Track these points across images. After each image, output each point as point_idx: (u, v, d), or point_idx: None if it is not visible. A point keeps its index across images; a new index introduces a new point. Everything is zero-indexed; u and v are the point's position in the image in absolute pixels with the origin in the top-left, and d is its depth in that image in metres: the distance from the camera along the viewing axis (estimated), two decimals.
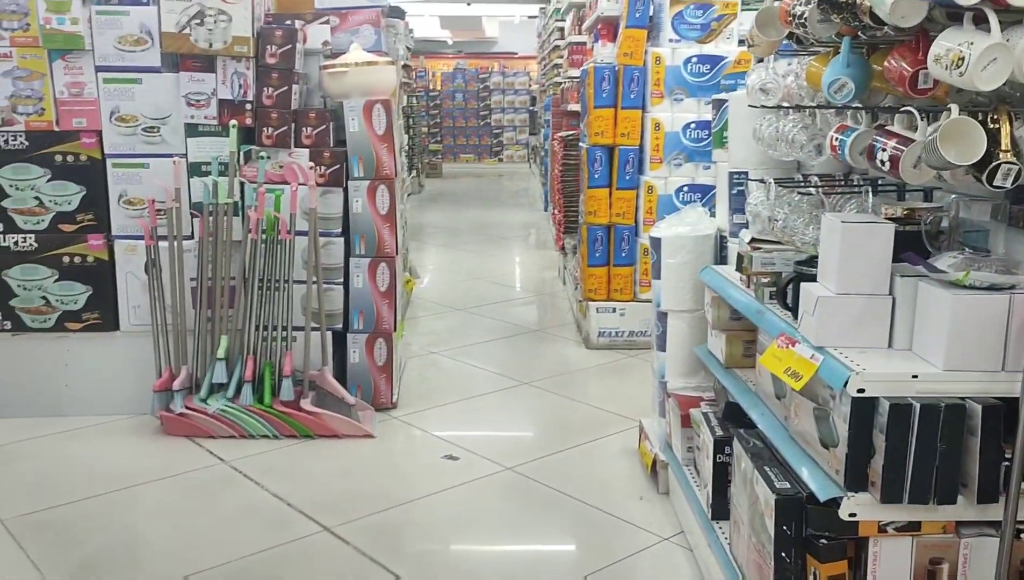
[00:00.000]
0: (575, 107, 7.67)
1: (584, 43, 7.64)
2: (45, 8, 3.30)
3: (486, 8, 15.33)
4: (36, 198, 3.46)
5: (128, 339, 3.60)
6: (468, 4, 14.22)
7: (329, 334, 3.57)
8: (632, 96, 4.41)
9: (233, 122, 3.38)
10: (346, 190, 3.55)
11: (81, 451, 3.30)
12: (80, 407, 3.60)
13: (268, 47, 3.41)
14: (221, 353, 3.38)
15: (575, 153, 5.83)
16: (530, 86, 16.61)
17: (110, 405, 3.60)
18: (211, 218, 3.41)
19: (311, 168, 3.43)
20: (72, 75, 3.40)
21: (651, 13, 4.43)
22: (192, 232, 3.50)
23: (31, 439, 3.39)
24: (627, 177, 4.47)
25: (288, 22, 3.51)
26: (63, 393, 3.60)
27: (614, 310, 4.57)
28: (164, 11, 3.32)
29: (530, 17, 15.99)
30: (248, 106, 3.44)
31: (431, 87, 16.62)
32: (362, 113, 3.48)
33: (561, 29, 9.76)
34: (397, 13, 4.37)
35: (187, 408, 3.38)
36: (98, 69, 3.40)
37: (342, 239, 3.57)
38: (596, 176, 4.50)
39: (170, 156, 3.46)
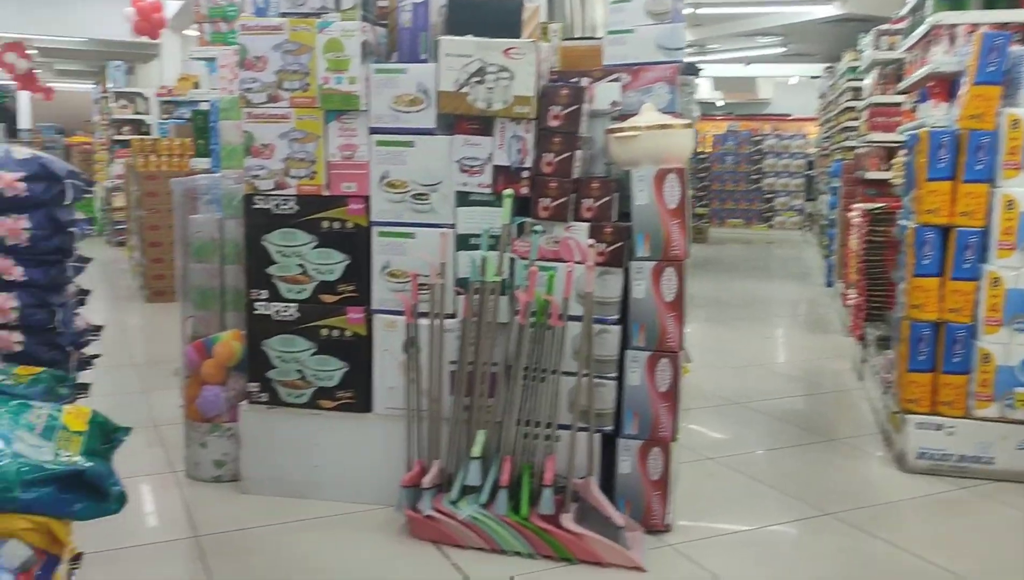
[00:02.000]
0: (875, 175, 6.80)
1: (892, 104, 6.76)
2: (325, 67, 3.11)
3: (763, 69, 14.59)
4: (300, 266, 3.26)
5: (380, 423, 3.29)
6: (746, 65, 13.57)
7: (598, 437, 3.07)
8: (978, 167, 3.59)
9: (508, 191, 3.00)
10: (627, 271, 3.05)
11: (320, 546, 2.99)
12: (328, 490, 3.33)
13: (551, 108, 3.01)
14: (476, 451, 2.96)
15: (883, 229, 5.01)
16: (807, 150, 15.56)
17: (357, 492, 3.31)
18: (476, 297, 3.04)
19: (590, 245, 2.97)
20: (345, 137, 3.18)
21: (1006, 67, 3.61)
22: (455, 311, 3.15)
23: (274, 525, 3.14)
24: (965, 265, 3.64)
25: (574, 80, 3.10)
26: (312, 474, 3.36)
27: (940, 427, 3.70)
28: (443, 68, 3.02)
29: (812, 77, 15.03)
30: (525, 173, 3.05)
31: (699, 149, 16.05)
32: (652, 183, 2.98)
33: (856, 89, 8.87)
34: (692, 70, 3.86)
35: (436, 510, 2.99)
36: (372, 130, 3.16)
37: (618, 328, 3.07)
38: (924, 262, 3.70)
39: (438, 226, 3.14)
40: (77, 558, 2.00)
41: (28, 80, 16.80)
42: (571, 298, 2.96)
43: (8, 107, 22.31)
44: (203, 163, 5.46)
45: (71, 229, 1.96)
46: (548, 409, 2.99)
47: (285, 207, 3.25)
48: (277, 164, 3.23)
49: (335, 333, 3.27)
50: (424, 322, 3.13)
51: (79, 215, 2.18)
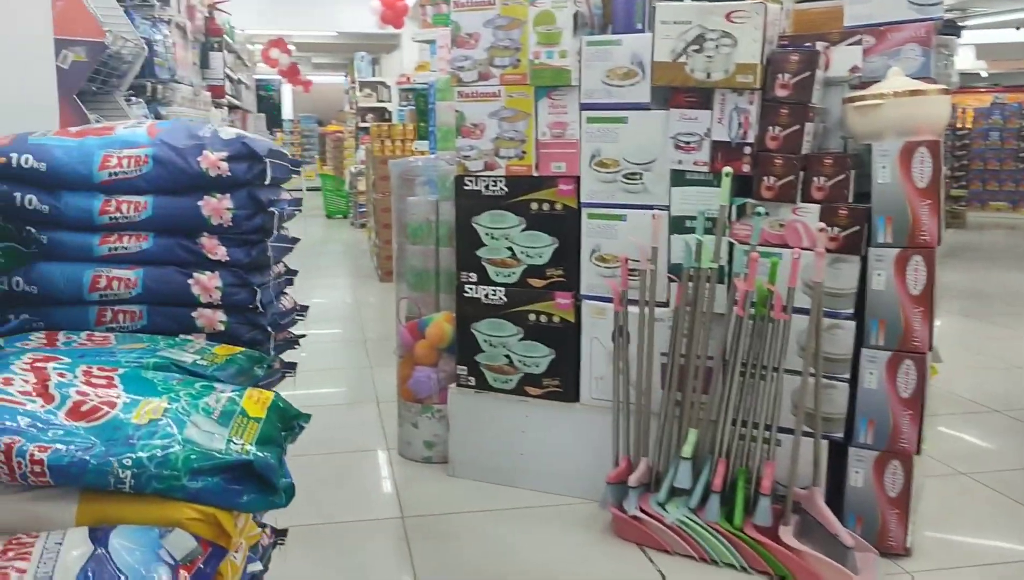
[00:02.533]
0: None
1: None
2: (536, 41, 2.98)
3: None
4: (509, 249, 3.18)
5: (587, 413, 3.15)
6: (1017, 29, 12.09)
7: (825, 444, 2.75)
8: None
9: (727, 169, 2.74)
10: (864, 259, 2.70)
11: (521, 537, 2.90)
12: (533, 480, 3.25)
13: (779, 76, 2.71)
14: (687, 451, 2.75)
15: None
16: None
17: (563, 483, 3.19)
18: (691, 284, 2.81)
19: (821, 230, 2.65)
20: (556, 114, 3.05)
21: None
22: (668, 299, 2.94)
23: (477, 512, 3.09)
24: None
25: (808, 44, 2.78)
26: (518, 462, 3.28)
27: None
28: (659, 37, 2.80)
29: None
30: (747, 149, 2.77)
31: (958, 125, 14.54)
32: (898, 158, 2.61)
33: None
34: (951, 29, 3.38)
35: (642, 511, 2.81)
36: (583, 107, 3.00)
37: (853, 323, 2.72)
38: None
39: (650, 208, 2.94)
40: (283, 533, 2.02)
41: (291, 74, 18.20)
42: (797, 288, 2.66)
43: (273, 99, 24.31)
44: (423, 145, 5.56)
45: (272, 209, 1.95)
46: (768, 410, 2.72)
47: (494, 188, 3.17)
48: (487, 144, 3.15)
49: (543, 319, 3.16)
50: (634, 310, 2.94)
51: (284, 195, 2.19)
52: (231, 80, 8.25)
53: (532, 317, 3.18)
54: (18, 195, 1.86)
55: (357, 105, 13.36)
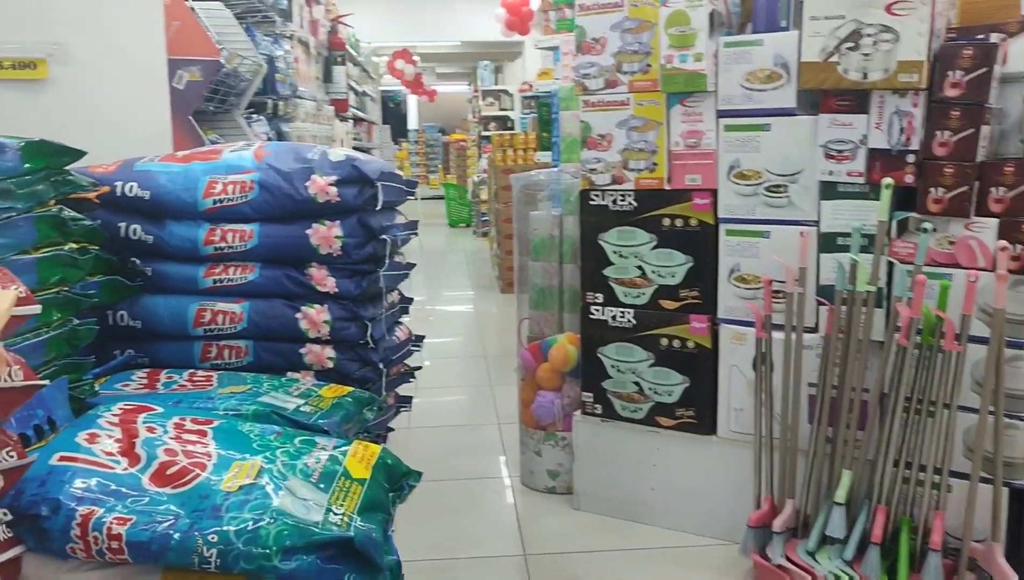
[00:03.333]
0: None
1: None
2: (668, 44, 2.75)
3: None
4: (639, 268, 2.95)
5: (725, 448, 2.89)
6: None
7: (1005, 492, 2.40)
8: None
9: (887, 180, 2.43)
10: None
11: None
12: (664, 517, 3.00)
13: (949, 73, 2.38)
14: (841, 496, 2.45)
15: None
16: None
17: (697, 523, 2.94)
18: (843, 309, 2.52)
19: (1001, 248, 2.31)
20: (690, 122, 2.80)
21: None
22: (817, 324, 2.65)
23: (603, 551, 2.87)
24: None
25: (980, 37, 2.44)
26: (647, 497, 3.04)
27: None
28: (807, 34, 2.52)
29: None
30: (910, 157, 2.46)
31: None
32: None
33: None
34: None
35: (788, 560, 2.53)
36: (720, 114, 2.75)
37: None
38: None
39: (797, 224, 2.66)
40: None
41: (415, 84, 18.44)
42: (972, 315, 2.33)
43: (400, 110, 24.77)
44: (546, 156, 5.38)
45: (384, 236, 1.81)
46: (937, 451, 2.39)
47: (623, 203, 2.95)
48: (614, 156, 2.94)
49: (676, 343, 2.92)
50: (779, 336, 2.66)
51: (400, 219, 2.04)
52: (356, 92, 8.31)
53: (664, 342, 2.94)
54: (123, 225, 1.78)
55: (480, 114, 13.34)
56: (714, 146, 2.77)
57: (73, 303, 1.41)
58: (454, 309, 7.53)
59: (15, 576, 1.11)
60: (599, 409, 3.11)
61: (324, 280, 1.78)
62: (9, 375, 1.03)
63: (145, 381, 1.64)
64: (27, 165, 1.28)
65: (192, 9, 2.60)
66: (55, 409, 1.32)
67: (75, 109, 2.20)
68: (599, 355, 3.07)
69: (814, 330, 2.66)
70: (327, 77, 5.90)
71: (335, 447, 1.34)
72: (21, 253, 1.29)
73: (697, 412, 2.92)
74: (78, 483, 1.14)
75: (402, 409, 2.18)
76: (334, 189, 1.75)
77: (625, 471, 3.08)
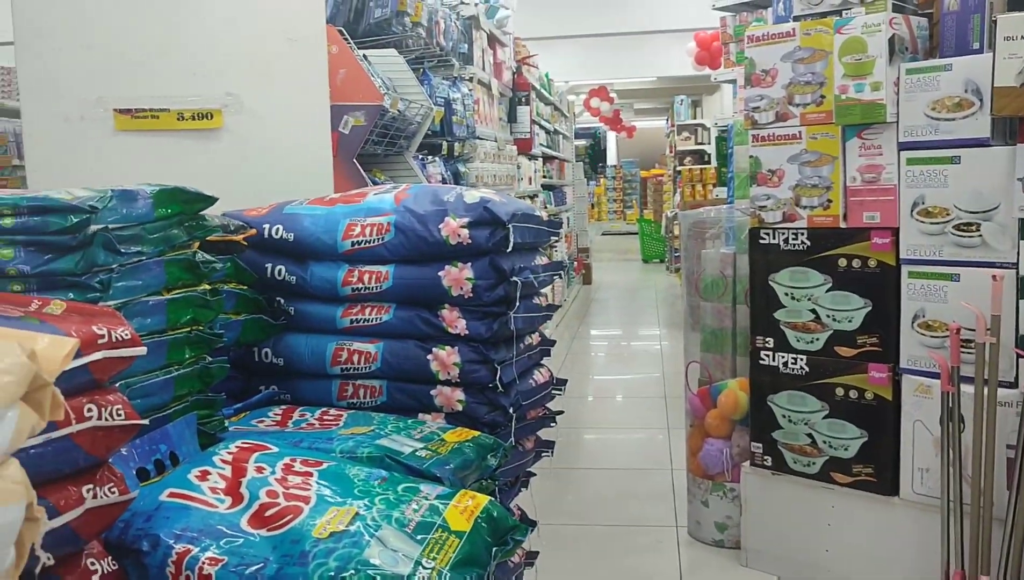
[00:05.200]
0: None
1: None
2: (843, 74, 2.57)
3: None
4: (812, 311, 2.75)
5: (908, 511, 2.62)
6: None
7: None
8: None
9: None
10: None
11: None
12: None
13: None
14: None
15: None
16: None
17: None
18: None
19: None
20: (868, 156, 2.60)
21: None
22: (1015, 378, 2.35)
23: None
24: None
25: None
26: (822, 559, 2.81)
27: None
28: (1001, 56, 2.27)
29: None
30: None
31: None
32: None
33: None
34: None
35: None
36: (901, 147, 2.53)
37: None
38: None
39: (990, 265, 2.38)
40: (533, 555, 1.85)
41: (613, 121, 18.54)
42: None
43: (599, 146, 24.98)
44: (723, 192, 5.18)
45: (516, 278, 1.77)
46: None
47: (795, 242, 2.77)
48: (786, 192, 2.77)
49: (853, 394, 2.69)
50: (968, 390, 2.39)
51: (542, 259, 2.01)
52: (547, 131, 8.43)
53: (840, 391, 2.72)
54: (269, 265, 1.85)
55: (675, 149, 13.17)
56: (895, 181, 2.55)
57: (205, 342, 1.47)
58: (640, 346, 7.41)
59: None
60: (769, 461, 2.92)
61: (455, 322, 1.77)
62: (111, 414, 1.08)
63: (279, 418, 1.69)
64: (159, 211, 1.36)
65: (360, 56, 2.71)
66: (180, 445, 1.37)
67: (246, 155, 2.33)
68: (769, 404, 2.89)
69: (1012, 385, 2.37)
70: (511, 117, 6.01)
71: (437, 496, 1.31)
72: (152, 294, 1.36)
73: (876, 470, 2.67)
74: (180, 520, 1.17)
75: (543, 454, 2.12)
76: (466, 231, 1.74)
77: (797, 529, 2.87)
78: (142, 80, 2.29)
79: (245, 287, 1.79)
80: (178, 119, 2.29)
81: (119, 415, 1.08)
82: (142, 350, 1.12)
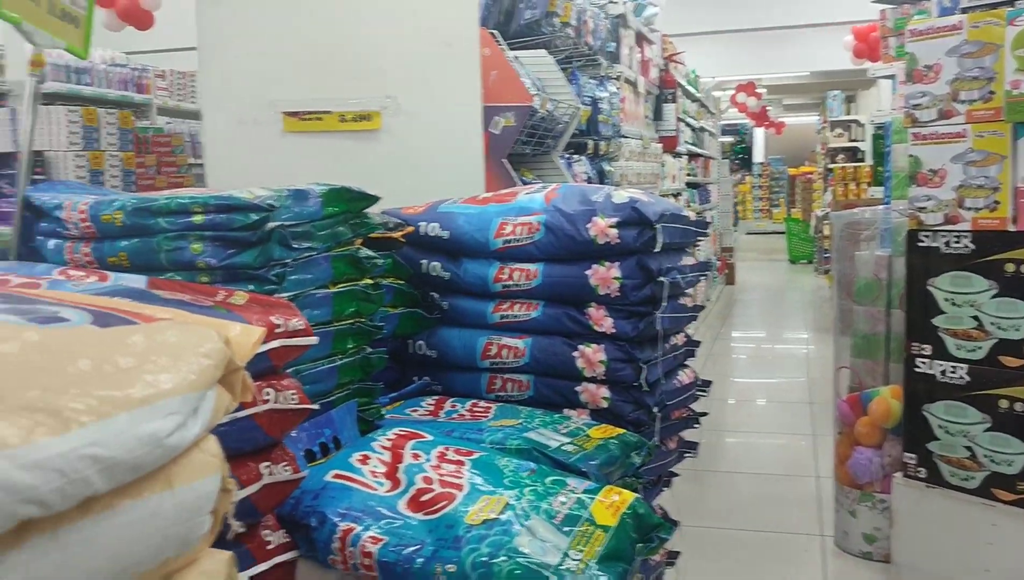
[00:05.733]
0: None
1: None
2: (1015, 68, 2.44)
3: None
4: (975, 318, 2.62)
5: None
6: None
7: None
8: None
9: None
10: None
11: None
12: None
13: None
14: None
15: None
16: None
17: None
18: None
19: None
20: None
21: None
22: None
23: None
24: None
25: None
26: (979, 578, 2.68)
27: None
28: None
29: None
30: None
31: None
32: None
33: None
34: None
35: None
36: None
37: None
38: None
39: None
40: (674, 555, 1.88)
41: (760, 117, 18.05)
42: None
43: (744, 143, 24.39)
44: (879, 192, 4.97)
45: (663, 278, 1.78)
46: None
47: (957, 245, 2.65)
48: (948, 193, 2.65)
49: (1018, 406, 2.55)
50: None
51: (688, 260, 2.00)
52: (692, 128, 8.32)
53: (1004, 403, 2.57)
54: (424, 262, 1.93)
55: (827, 146, 12.71)
56: None
57: (366, 333, 1.55)
58: (785, 349, 7.21)
59: (290, 577, 1.24)
60: (923, 473, 2.80)
61: (602, 320, 1.80)
62: (286, 398, 1.16)
63: (432, 408, 1.77)
64: (328, 210, 1.45)
65: (510, 58, 2.77)
66: (342, 430, 1.46)
67: (402, 155, 2.44)
68: (924, 413, 2.77)
69: None
70: (657, 115, 5.97)
71: (584, 490, 1.34)
72: (319, 288, 1.45)
73: None
74: (344, 500, 1.25)
75: (686, 455, 2.12)
76: (614, 231, 1.76)
77: (953, 546, 2.74)
78: (308, 84, 2.43)
79: (402, 282, 1.87)
80: (340, 121, 2.41)
81: (293, 399, 1.17)
82: (314, 340, 1.21)
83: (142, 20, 5.54)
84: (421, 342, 1.95)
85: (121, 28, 5.70)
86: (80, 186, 1.89)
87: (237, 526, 0.91)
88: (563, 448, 1.54)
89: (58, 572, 0.64)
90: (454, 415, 1.73)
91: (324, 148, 2.43)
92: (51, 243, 1.47)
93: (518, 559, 1.16)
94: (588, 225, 1.79)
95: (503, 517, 1.24)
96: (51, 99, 5.30)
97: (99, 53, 5.71)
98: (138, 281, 1.19)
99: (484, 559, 1.16)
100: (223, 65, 2.39)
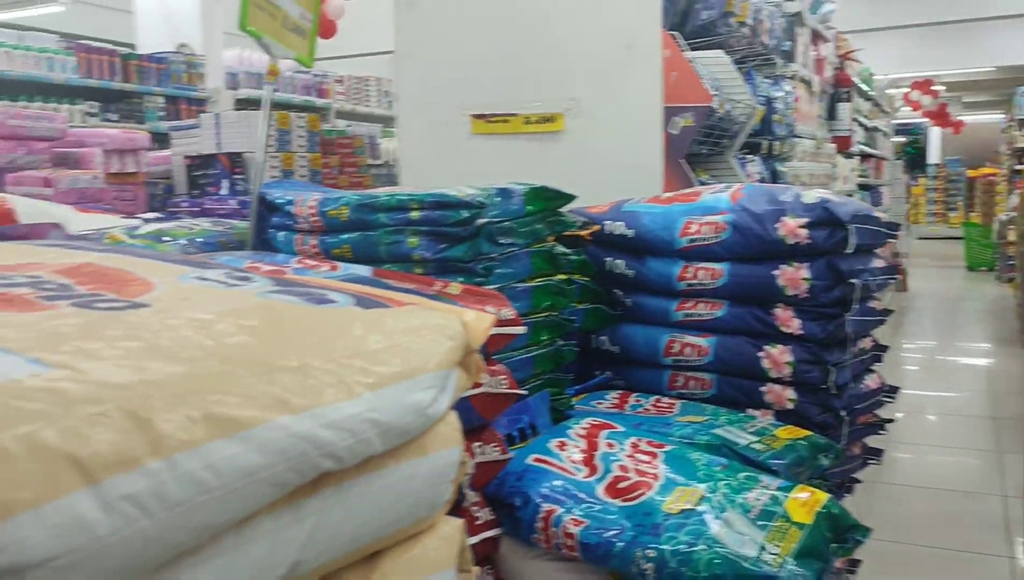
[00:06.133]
0: None
1: None
2: None
3: None
4: None
5: None
6: None
7: None
8: None
9: None
10: None
11: None
12: None
13: None
14: None
15: None
16: None
17: None
18: None
19: None
20: None
21: None
22: None
23: None
24: None
25: None
26: None
27: None
28: None
29: None
30: None
31: None
32: None
33: None
34: None
35: None
36: None
37: None
38: None
39: None
40: (855, 563, 1.83)
41: (939, 115, 17.09)
42: None
43: (919, 143, 23.16)
44: None
45: (853, 280, 1.76)
46: None
47: None
48: None
49: None
50: None
51: (876, 263, 1.96)
52: (865, 128, 8.00)
53: None
54: (608, 260, 1.98)
55: (1014, 145, 11.88)
56: None
57: (559, 326, 1.62)
58: (963, 361, 6.82)
59: (495, 552, 1.32)
60: None
61: (789, 321, 1.79)
62: (496, 383, 1.24)
63: (616, 401, 1.81)
64: (528, 208, 1.52)
65: (690, 59, 2.78)
66: (538, 417, 1.53)
67: (583, 156, 2.50)
68: None
69: None
70: (831, 114, 5.78)
71: (778, 487, 1.35)
72: (519, 282, 1.53)
73: None
74: (546, 483, 1.32)
75: (870, 461, 2.07)
76: (804, 231, 1.75)
77: None
78: (495, 88, 2.53)
79: (587, 279, 1.93)
80: (524, 123, 2.50)
81: (503, 384, 1.24)
82: (523, 329, 1.28)
83: (327, 29, 5.87)
84: (604, 338, 2.00)
85: None
86: (303, 184, 2.06)
87: (473, 496, 0.99)
88: (752, 446, 1.56)
89: (340, 522, 0.72)
90: (639, 409, 1.77)
91: (508, 149, 2.52)
92: (281, 235, 1.61)
93: (717, 548, 1.19)
94: (777, 225, 1.79)
95: (700, 508, 1.27)
96: (244, 105, 5.70)
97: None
98: (366, 270, 1.30)
99: (683, 547, 1.20)
100: (417, 72, 2.53)
